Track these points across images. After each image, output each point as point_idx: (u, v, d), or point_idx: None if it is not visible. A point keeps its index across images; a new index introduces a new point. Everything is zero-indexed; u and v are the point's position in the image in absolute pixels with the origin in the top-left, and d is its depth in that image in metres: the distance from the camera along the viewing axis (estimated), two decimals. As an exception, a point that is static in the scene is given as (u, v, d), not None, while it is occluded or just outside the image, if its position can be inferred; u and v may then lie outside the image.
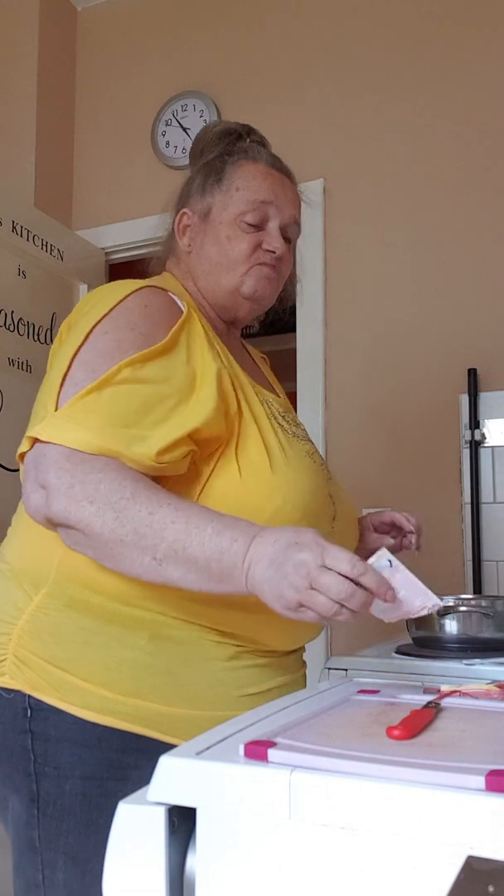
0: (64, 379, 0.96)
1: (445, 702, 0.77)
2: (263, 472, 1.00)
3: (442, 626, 1.42)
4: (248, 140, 1.22)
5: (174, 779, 0.59)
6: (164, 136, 2.89)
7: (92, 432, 0.90)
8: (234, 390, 1.04)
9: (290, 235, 1.19)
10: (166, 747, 0.94)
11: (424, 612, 0.83)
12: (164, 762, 0.60)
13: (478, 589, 2.21)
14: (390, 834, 0.52)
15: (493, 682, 0.91)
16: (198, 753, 0.61)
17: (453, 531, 2.28)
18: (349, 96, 2.61)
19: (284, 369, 1.38)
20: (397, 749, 0.60)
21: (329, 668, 1.43)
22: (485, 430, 2.28)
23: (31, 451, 0.94)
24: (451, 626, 1.42)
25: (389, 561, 0.82)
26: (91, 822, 0.93)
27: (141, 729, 0.95)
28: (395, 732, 0.63)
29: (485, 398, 2.29)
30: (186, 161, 1.32)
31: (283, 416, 1.12)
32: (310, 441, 1.16)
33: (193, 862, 0.58)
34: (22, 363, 2.52)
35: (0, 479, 2.30)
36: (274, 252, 1.15)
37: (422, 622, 1.45)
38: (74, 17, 3.15)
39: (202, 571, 0.86)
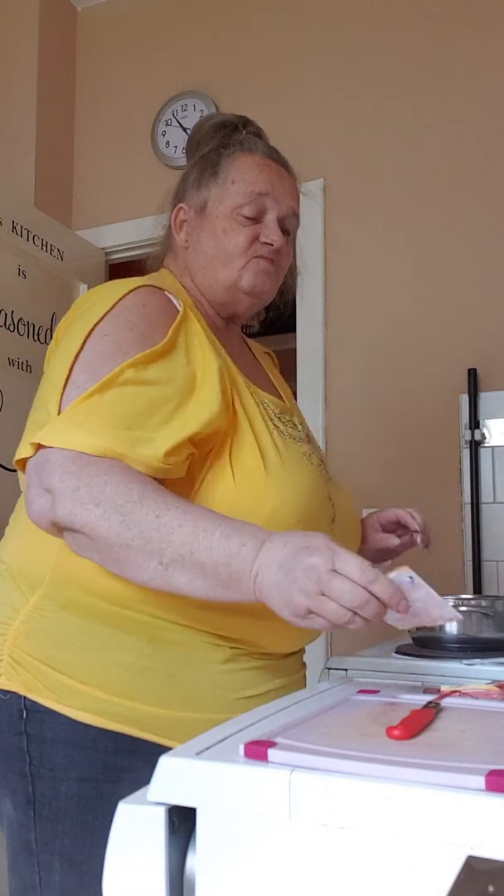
0: (66, 382, 0.94)
1: (445, 702, 0.77)
2: (257, 475, 0.98)
3: (442, 626, 1.42)
4: (244, 132, 1.20)
5: (174, 779, 0.59)
6: (164, 136, 2.89)
7: (96, 435, 0.89)
8: (230, 390, 1.02)
9: (288, 227, 1.17)
10: (162, 750, 0.93)
11: (441, 623, 0.82)
12: (164, 762, 0.60)
13: (478, 589, 2.21)
14: (390, 834, 0.52)
15: (493, 682, 0.91)
16: (198, 753, 0.61)
17: (453, 531, 2.28)
18: (349, 96, 2.61)
19: (284, 369, 1.38)
20: (397, 749, 0.60)
21: (329, 668, 1.43)
22: (485, 430, 2.28)
23: (35, 457, 0.92)
24: (450, 626, 1.41)
25: (411, 577, 0.79)
26: (86, 823, 0.93)
27: (137, 731, 0.94)
28: (395, 732, 0.63)
29: (485, 398, 2.29)
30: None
31: (279, 418, 1.10)
32: (308, 442, 1.14)
33: (193, 862, 0.58)
34: (22, 363, 2.52)
35: (0, 480, 2.30)
36: (272, 245, 1.12)
37: (422, 622, 1.45)
38: (74, 17, 3.15)
39: (209, 577, 0.83)
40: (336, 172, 2.58)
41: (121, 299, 1.00)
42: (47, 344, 2.59)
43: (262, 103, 2.70)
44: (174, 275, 1.18)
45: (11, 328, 2.50)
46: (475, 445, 2.28)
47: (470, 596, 1.70)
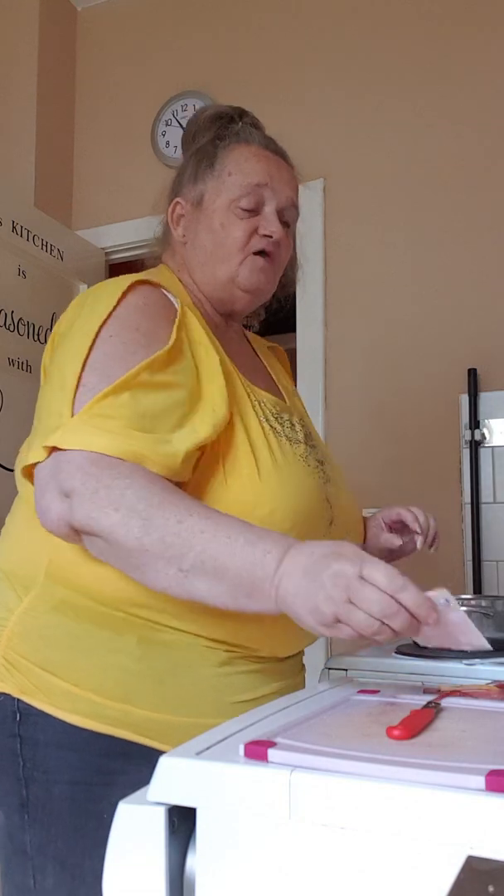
0: (77, 385, 0.92)
1: (445, 702, 0.77)
2: (250, 477, 0.96)
3: (442, 627, 1.41)
4: (240, 123, 1.17)
5: (174, 779, 0.59)
6: (164, 136, 2.89)
7: (115, 436, 0.86)
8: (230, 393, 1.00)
9: (287, 219, 1.14)
10: (156, 753, 0.91)
11: (467, 648, 0.80)
12: (164, 762, 0.60)
13: (478, 589, 2.21)
14: (390, 834, 0.52)
15: (493, 682, 0.91)
16: (198, 753, 0.61)
17: (453, 531, 2.28)
18: (349, 96, 2.61)
19: (284, 369, 1.38)
20: (397, 749, 0.60)
21: (329, 668, 1.43)
22: (485, 430, 2.28)
23: (49, 461, 0.89)
24: (451, 626, 1.41)
25: (447, 600, 0.77)
26: (79, 827, 0.92)
27: (130, 734, 0.93)
28: (395, 732, 0.63)
29: (485, 398, 2.29)
30: (186, 160, 1.30)
31: (276, 418, 1.07)
32: (306, 443, 1.10)
33: (193, 862, 0.58)
34: (22, 363, 2.52)
35: (0, 479, 2.30)
36: (271, 236, 1.10)
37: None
38: (74, 17, 3.15)
39: (230, 584, 0.80)
40: (336, 172, 2.58)
41: (121, 298, 0.99)
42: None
43: (262, 103, 2.69)
44: (172, 270, 1.15)
45: (11, 328, 2.49)
46: (475, 445, 2.28)
47: (470, 596, 1.70)
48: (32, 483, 0.93)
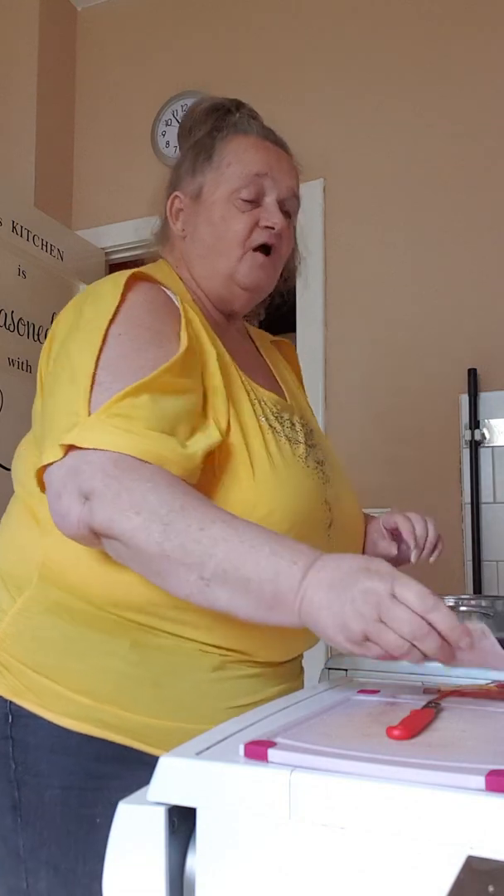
0: (92, 383, 0.89)
1: (445, 702, 0.77)
2: (245, 479, 0.94)
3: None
4: (237, 114, 1.14)
5: (174, 779, 0.59)
6: (164, 136, 2.89)
7: (136, 436, 0.84)
8: (224, 391, 0.98)
9: (289, 209, 1.11)
10: (149, 758, 0.90)
11: (491, 669, 0.79)
12: (164, 762, 0.60)
13: (478, 589, 2.21)
14: (390, 834, 0.52)
15: (493, 682, 0.91)
16: (198, 753, 0.61)
17: (453, 531, 2.28)
18: (349, 96, 2.61)
19: (284, 369, 1.37)
20: (397, 749, 0.60)
21: (329, 668, 1.43)
22: (485, 430, 2.28)
23: (68, 460, 0.85)
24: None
25: (482, 630, 0.75)
26: (70, 832, 0.91)
27: (122, 739, 0.92)
28: (395, 732, 0.63)
29: (485, 398, 2.29)
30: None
31: (276, 417, 1.05)
32: (307, 443, 1.07)
33: (193, 862, 0.58)
34: (22, 363, 2.52)
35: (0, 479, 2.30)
36: (273, 228, 1.07)
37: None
38: (74, 17, 3.15)
39: (253, 594, 0.77)
40: (336, 172, 2.58)
41: (123, 295, 0.97)
42: (47, 344, 2.60)
43: (262, 103, 2.69)
44: (170, 266, 1.13)
45: (11, 328, 2.50)
46: (475, 445, 2.28)
47: (470, 596, 1.70)
48: (42, 483, 0.90)
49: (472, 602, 1.46)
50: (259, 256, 1.08)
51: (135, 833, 0.59)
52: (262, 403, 1.05)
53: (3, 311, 2.46)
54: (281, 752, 0.59)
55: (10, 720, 0.94)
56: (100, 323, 0.94)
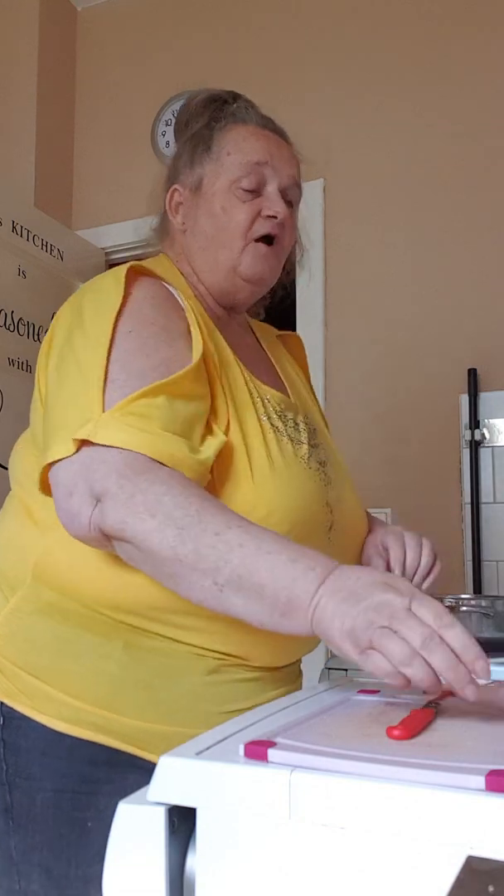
0: (105, 380, 0.87)
1: (445, 702, 0.77)
2: (244, 479, 0.92)
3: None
4: (234, 104, 1.12)
5: (174, 779, 0.59)
6: (164, 136, 2.89)
7: (152, 436, 0.83)
8: (223, 390, 0.97)
9: (291, 198, 1.08)
10: (141, 762, 0.90)
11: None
12: (164, 762, 0.60)
13: (478, 589, 2.21)
14: (390, 834, 0.52)
15: (493, 682, 0.91)
16: (198, 753, 0.61)
17: (453, 531, 2.28)
18: (349, 96, 2.61)
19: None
20: (397, 749, 0.60)
21: (329, 668, 1.43)
22: (485, 430, 2.28)
23: (80, 457, 0.83)
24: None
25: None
26: (62, 836, 0.90)
27: (115, 742, 0.91)
28: (395, 732, 0.63)
29: (485, 398, 2.29)
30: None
31: (279, 416, 1.02)
32: (310, 443, 1.04)
33: (193, 862, 0.58)
34: (22, 363, 2.52)
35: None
36: (276, 217, 1.04)
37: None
38: (74, 17, 3.15)
39: (268, 600, 0.75)
40: (336, 172, 2.58)
41: (127, 290, 0.95)
42: (47, 344, 2.60)
43: (262, 103, 2.69)
44: (171, 261, 1.10)
45: (11, 328, 2.50)
46: (475, 445, 2.28)
47: (470, 596, 1.70)
48: (45, 481, 0.89)
49: (472, 602, 1.46)
50: (262, 247, 1.06)
51: (135, 833, 0.59)
52: (266, 401, 1.03)
53: (3, 311, 2.46)
54: (281, 752, 0.59)
55: (2, 722, 0.93)
56: (106, 319, 0.92)
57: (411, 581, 1.07)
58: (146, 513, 0.78)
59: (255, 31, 2.80)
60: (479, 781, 0.52)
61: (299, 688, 1.08)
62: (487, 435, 2.28)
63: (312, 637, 0.78)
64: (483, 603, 1.45)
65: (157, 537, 0.78)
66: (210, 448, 0.88)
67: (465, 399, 2.31)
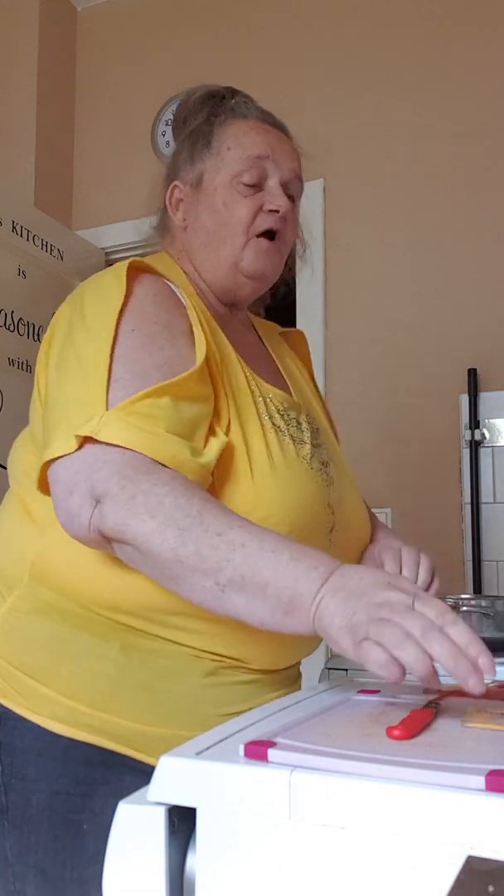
0: (109, 378, 0.86)
1: (445, 702, 0.77)
2: (244, 480, 0.91)
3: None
4: (233, 100, 1.11)
5: (174, 779, 0.59)
6: (163, 135, 2.89)
7: (156, 437, 0.82)
8: (223, 389, 0.96)
9: (292, 192, 1.07)
10: (138, 764, 0.90)
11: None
12: (164, 762, 0.60)
13: (478, 589, 2.21)
14: (390, 834, 0.52)
15: (493, 681, 0.91)
16: (198, 753, 0.61)
17: (453, 531, 2.28)
18: (349, 96, 2.61)
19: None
20: (397, 749, 0.60)
21: (329, 668, 1.43)
22: (485, 430, 2.28)
23: (82, 454, 0.83)
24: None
25: None
26: (58, 838, 0.89)
27: (111, 744, 0.91)
28: (395, 732, 0.63)
29: (485, 398, 2.29)
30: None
31: (282, 415, 1.01)
32: (312, 443, 1.03)
33: (193, 862, 0.58)
34: (22, 363, 2.52)
35: None
36: (277, 211, 1.03)
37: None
38: (74, 17, 3.15)
39: (270, 599, 0.74)
40: (336, 172, 2.58)
41: (129, 287, 0.94)
42: (47, 344, 2.60)
43: (262, 103, 2.70)
44: (172, 258, 1.09)
45: (11, 328, 2.50)
46: (475, 445, 2.28)
47: (470, 596, 1.70)
48: (44, 479, 0.88)
49: (472, 602, 1.46)
50: (264, 242, 1.05)
51: (135, 833, 0.59)
52: (268, 400, 1.02)
53: (3, 311, 2.46)
54: (281, 752, 0.59)
55: None
56: (108, 316, 0.91)
57: None
58: (147, 514, 0.78)
59: (255, 31, 2.80)
60: (479, 781, 0.52)
61: (298, 689, 1.07)
62: (487, 435, 2.28)
63: (312, 640, 0.77)
64: (483, 603, 1.45)
65: (158, 539, 0.77)
66: (212, 450, 0.88)
67: (465, 399, 2.31)
